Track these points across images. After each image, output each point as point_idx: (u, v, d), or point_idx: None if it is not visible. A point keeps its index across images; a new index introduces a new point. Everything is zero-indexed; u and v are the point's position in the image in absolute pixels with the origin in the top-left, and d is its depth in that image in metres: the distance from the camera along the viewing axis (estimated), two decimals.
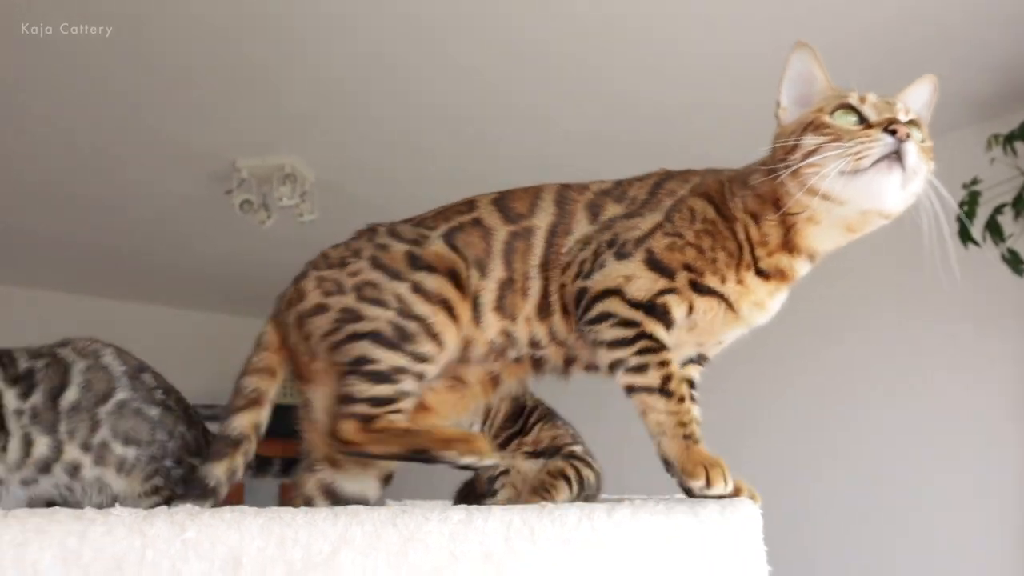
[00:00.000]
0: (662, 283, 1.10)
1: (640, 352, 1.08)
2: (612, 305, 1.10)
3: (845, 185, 1.02)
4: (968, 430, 3.00)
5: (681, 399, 1.08)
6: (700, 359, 1.25)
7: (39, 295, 5.47)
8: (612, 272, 1.11)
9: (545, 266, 1.18)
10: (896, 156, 1.00)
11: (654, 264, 1.11)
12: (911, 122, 1.06)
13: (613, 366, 1.11)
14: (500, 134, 3.33)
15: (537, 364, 1.22)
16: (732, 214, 1.13)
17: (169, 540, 0.75)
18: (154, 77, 2.87)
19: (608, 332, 1.10)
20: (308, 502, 1.20)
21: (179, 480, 1.27)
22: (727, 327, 1.16)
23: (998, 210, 2.65)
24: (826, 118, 1.07)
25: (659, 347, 1.09)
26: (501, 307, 1.17)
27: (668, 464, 1.08)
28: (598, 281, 1.11)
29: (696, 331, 1.15)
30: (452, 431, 1.12)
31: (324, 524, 0.81)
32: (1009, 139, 2.69)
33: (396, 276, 1.15)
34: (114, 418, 1.24)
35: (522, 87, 2.97)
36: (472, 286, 1.17)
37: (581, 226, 1.19)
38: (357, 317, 1.13)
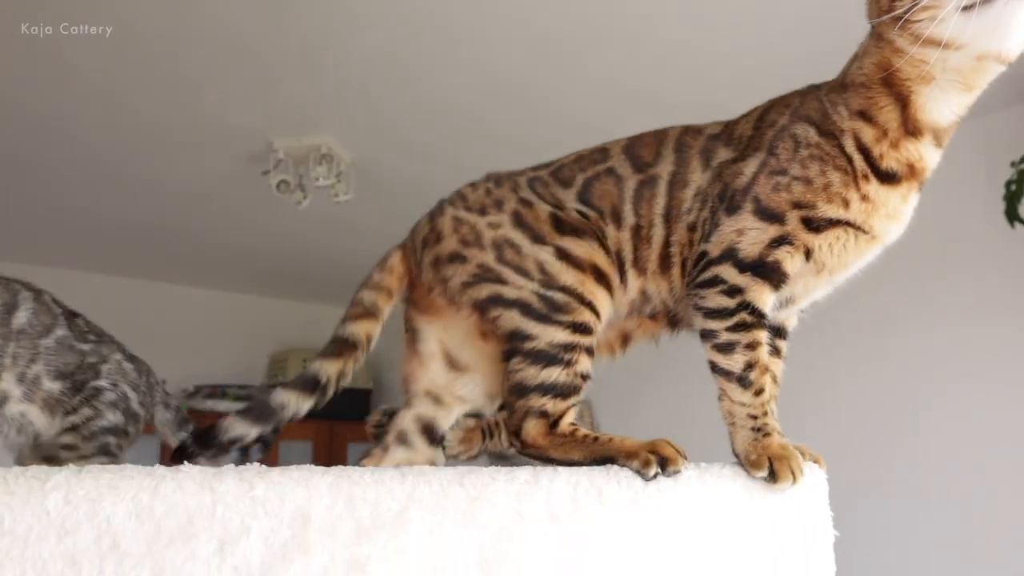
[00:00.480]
0: (773, 230, 1.04)
1: (733, 328, 1.04)
2: (724, 270, 1.05)
3: (968, 23, 0.91)
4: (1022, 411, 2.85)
5: (759, 391, 1.03)
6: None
7: (72, 275, 5.40)
8: (725, 229, 1.06)
9: (667, 216, 1.14)
10: None
11: (762, 212, 1.05)
12: None
13: (704, 336, 1.07)
14: (552, 102, 3.18)
15: (673, 320, 1.18)
16: (838, 127, 1.05)
17: (239, 496, 0.76)
18: (191, 57, 2.84)
19: (712, 299, 1.05)
20: (401, 437, 1.22)
21: (123, 431, 1.30)
22: (862, 254, 1.08)
23: None
24: None
25: (754, 324, 1.04)
26: (637, 262, 1.14)
27: (736, 456, 1.05)
28: (715, 244, 1.06)
29: (826, 271, 1.08)
30: (635, 442, 1.05)
31: (392, 483, 0.81)
32: None
33: (540, 239, 1.12)
34: (51, 353, 1.27)
35: (582, 54, 2.84)
36: (612, 241, 1.14)
37: (696, 176, 1.14)
38: (499, 279, 1.10)
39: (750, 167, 1.08)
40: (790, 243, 1.03)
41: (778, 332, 1.18)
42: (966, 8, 0.90)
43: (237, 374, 5.81)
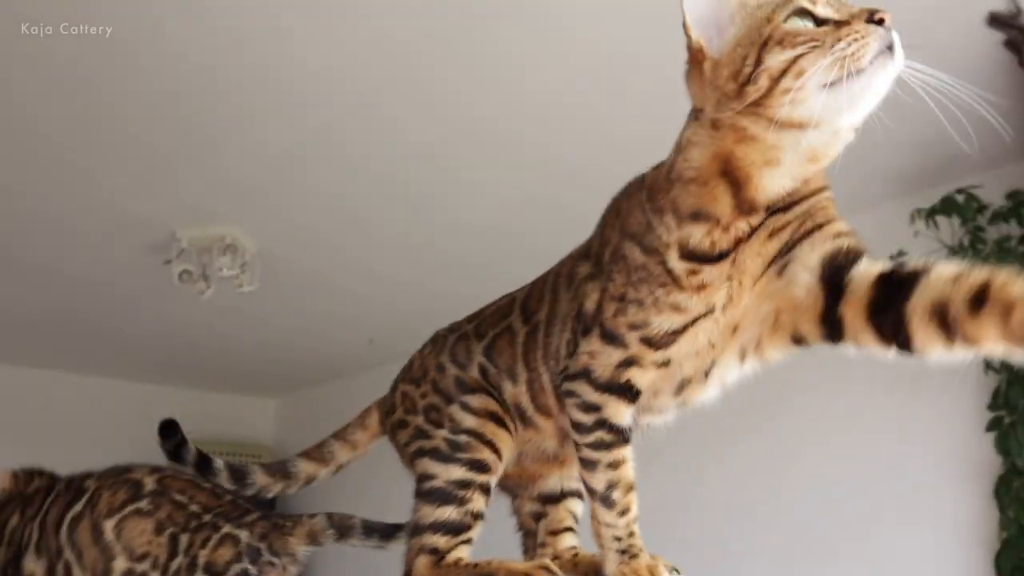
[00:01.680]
0: (618, 354, 1.03)
1: (593, 446, 1.05)
2: (580, 387, 1.06)
3: (830, 99, 0.87)
4: (901, 490, 3.14)
5: (623, 511, 1.03)
6: (851, 257, 1.03)
7: None
8: (581, 351, 1.06)
9: (546, 359, 1.17)
10: (889, 48, 0.89)
11: (607, 336, 1.04)
12: None
13: (575, 449, 1.09)
14: (446, 203, 3.48)
15: None
16: (663, 242, 1.00)
17: None
18: (94, 144, 2.91)
19: (572, 412, 1.07)
20: None
21: None
22: (735, 318, 1.03)
23: None
24: (788, 27, 0.90)
25: (614, 442, 1.04)
26: (540, 409, 1.20)
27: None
28: (573, 362, 1.07)
29: (700, 356, 1.05)
30: (522, 565, 1.12)
31: None
32: (931, 213, 2.88)
33: (449, 399, 1.23)
34: None
35: (469, 159, 3.07)
36: (509, 396, 1.22)
37: (564, 304, 1.15)
38: (425, 435, 1.23)
39: (595, 292, 1.08)
40: (638, 364, 1.03)
41: (889, 270, 1.00)
42: (824, 85, 0.87)
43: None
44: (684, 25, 0.97)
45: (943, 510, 3.01)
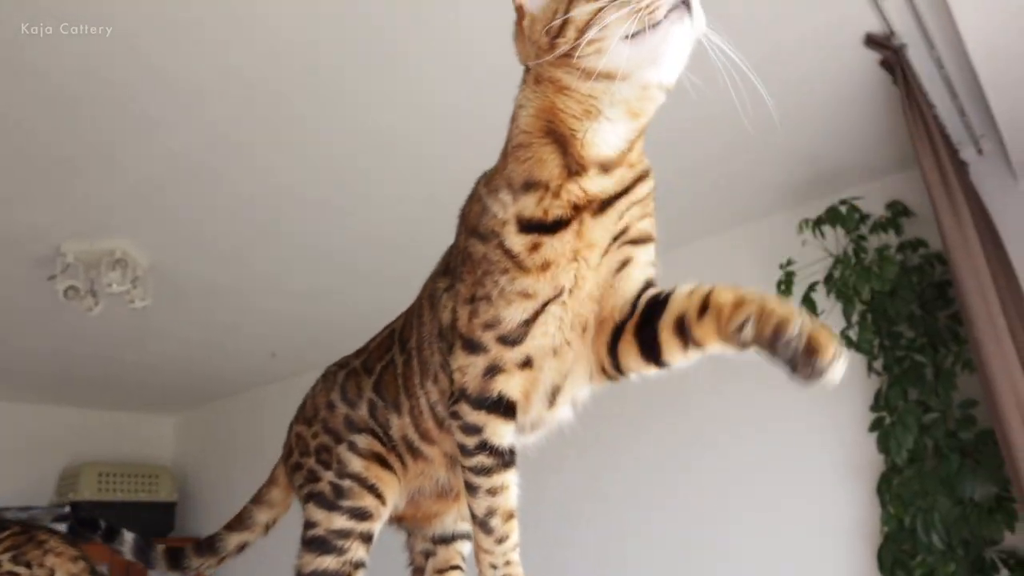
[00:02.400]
0: (481, 361, 1.00)
1: (474, 470, 1.02)
2: (461, 407, 1.03)
3: (632, 51, 0.90)
4: (794, 486, 3.28)
5: (501, 539, 1.01)
6: (647, 287, 1.04)
7: None
8: (453, 371, 1.04)
9: (423, 383, 1.15)
10: (685, 4, 0.91)
11: (468, 345, 1.01)
12: None
13: (462, 472, 1.06)
14: (350, 214, 3.42)
15: None
16: (499, 221, 0.99)
17: None
18: None
19: (456, 434, 1.04)
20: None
21: None
22: (583, 303, 1.01)
23: (811, 288, 2.96)
24: None
25: (494, 467, 1.01)
26: (424, 436, 1.18)
27: None
28: (452, 386, 1.05)
29: (561, 353, 1.03)
30: None
31: None
32: (817, 223, 3.01)
33: (338, 439, 1.22)
34: None
35: (373, 170, 3.04)
36: (396, 429, 1.20)
37: (427, 323, 1.14)
38: (315, 478, 1.21)
39: (452, 303, 1.06)
40: (501, 369, 1.00)
41: (665, 294, 1.01)
42: (627, 36, 0.89)
43: (19, 494, 5.06)
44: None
45: (830, 506, 3.16)
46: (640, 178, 1.05)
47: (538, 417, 1.11)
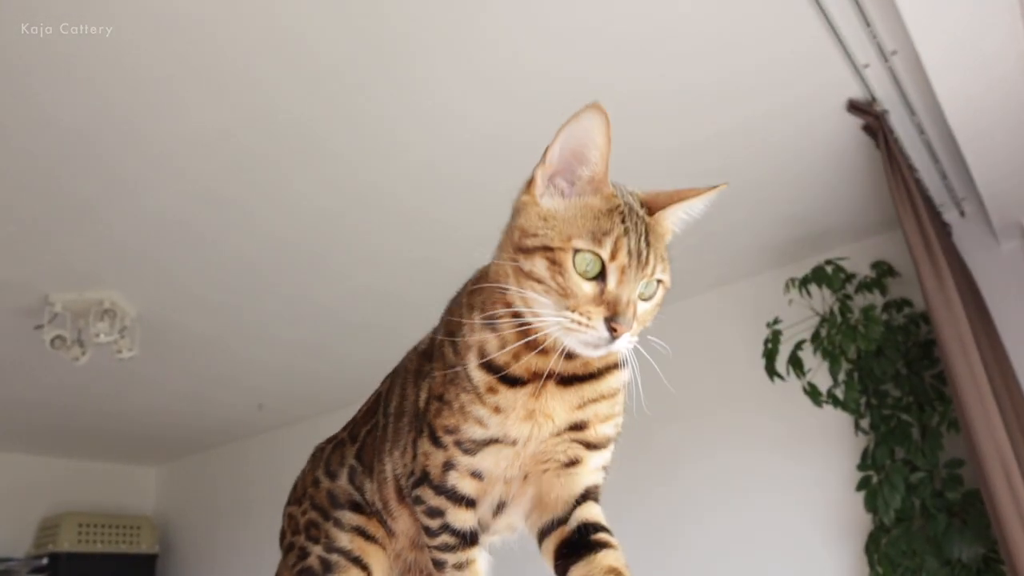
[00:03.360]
0: (440, 455, 1.03)
1: (440, 548, 1.04)
2: (423, 491, 1.05)
3: (555, 329, 0.92)
4: (783, 546, 3.28)
5: None
6: (588, 494, 1.07)
7: None
8: (418, 452, 1.06)
9: (392, 451, 1.15)
10: (609, 339, 0.91)
11: (431, 437, 1.04)
12: (658, 281, 0.98)
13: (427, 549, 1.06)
14: (338, 267, 3.45)
15: None
16: (465, 343, 1.02)
17: None
18: None
19: (421, 517, 1.06)
20: None
21: None
22: (519, 461, 1.03)
23: (798, 346, 2.98)
24: (567, 261, 0.92)
25: (459, 545, 1.03)
26: (385, 506, 1.18)
27: None
28: (416, 466, 1.07)
29: (512, 483, 1.06)
30: None
31: None
32: (804, 282, 3.04)
33: (325, 515, 1.21)
34: None
35: (360, 225, 3.08)
36: (370, 494, 1.19)
37: (410, 398, 1.14)
38: (304, 554, 1.21)
39: (424, 392, 1.08)
40: (455, 467, 1.02)
41: (590, 529, 1.04)
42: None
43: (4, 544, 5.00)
44: (551, 146, 0.97)
45: (818, 566, 3.15)
46: (612, 367, 1.04)
47: (487, 523, 1.11)
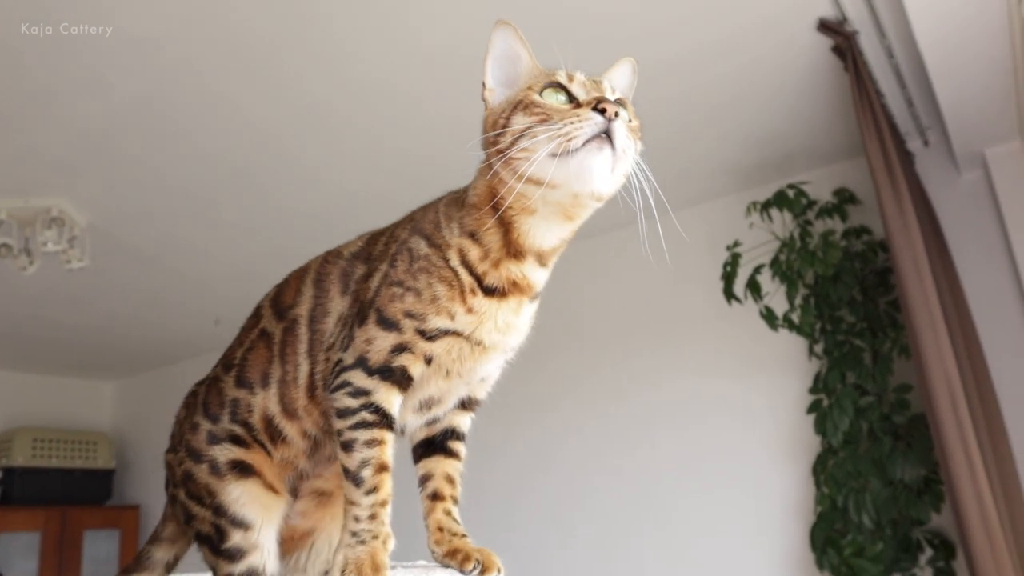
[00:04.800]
0: (392, 338, 1.05)
1: (354, 426, 1.04)
2: (354, 375, 1.05)
3: (557, 168, 0.98)
4: (732, 467, 3.33)
5: (370, 490, 1.02)
6: (470, 403, 1.20)
7: None
8: (357, 340, 1.07)
9: (310, 352, 1.15)
10: (606, 135, 0.97)
11: (383, 321, 1.06)
12: (618, 101, 1.05)
13: (335, 436, 1.06)
14: (278, 187, 3.38)
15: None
16: (446, 241, 1.08)
17: None
18: None
19: (340, 400, 1.05)
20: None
21: None
22: (479, 361, 1.10)
23: (757, 270, 2.98)
24: (535, 96, 1.03)
25: (375, 423, 1.04)
26: (287, 409, 1.15)
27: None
28: (349, 353, 1.07)
29: (454, 374, 1.10)
30: None
31: None
32: (765, 206, 3.03)
33: (200, 460, 1.15)
34: None
35: (302, 143, 3.01)
36: (259, 407, 1.16)
37: (335, 303, 1.15)
38: (191, 516, 1.15)
39: (375, 280, 1.10)
40: (410, 350, 1.06)
41: (453, 434, 1.19)
42: (553, 155, 0.97)
43: None
44: (484, 77, 1.11)
45: (766, 486, 3.23)
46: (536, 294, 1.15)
47: (406, 417, 1.15)
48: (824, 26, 2.39)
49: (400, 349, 1.06)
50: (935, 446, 2.33)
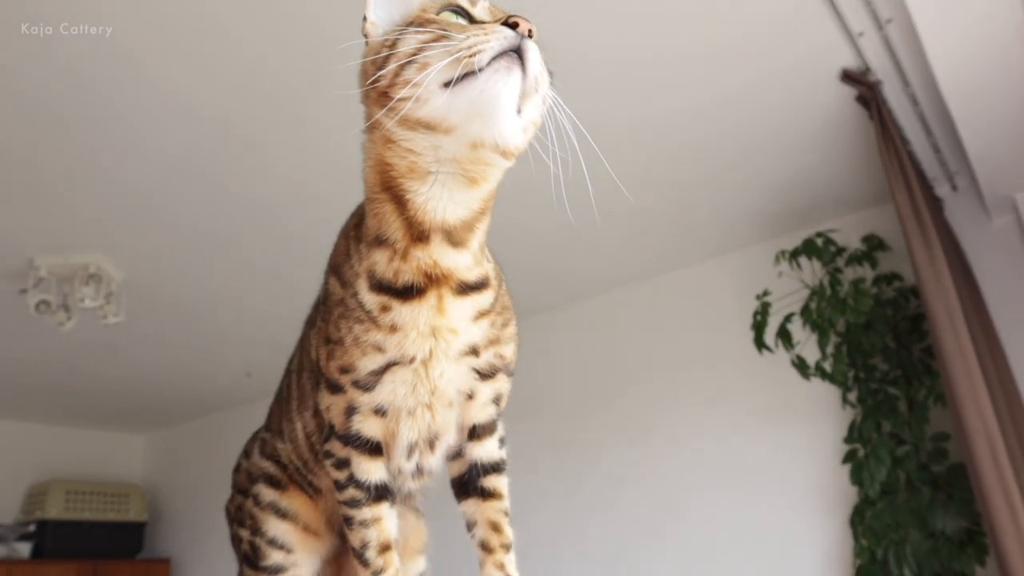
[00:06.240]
0: (341, 400, 0.97)
1: (347, 504, 1.00)
2: (332, 444, 1.01)
3: (451, 99, 0.79)
4: (768, 519, 3.27)
5: (376, 572, 0.98)
6: (481, 431, 1.05)
7: None
8: (321, 407, 1.01)
9: (300, 410, 1.12)
10: (516, 54, 0.79)
11: (328, 384, 0.98)
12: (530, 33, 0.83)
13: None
14: (315, 235, 3.41)
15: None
16: (354, 271, 0.94)
17: None
18: None
19: (331, 471, 1.02)
20: None
21: None
22: (435, 383, 0.96)
23: (787, 319, 2.97)
24: (431, 15, 0.86)
25: (363, 500, 1.00)
26: (305, 464, 1.14)
27: None
28: (325, 419, 1.02)
29: (416, 412, 0.98)
30: None
31: None
32: (794, 255, 3.03)
33: (245, 495, 1.18)
34: None
35: (337, 194, 3.04)
36: (285, 456, 1.15)
37: (310, 352, 1.08)
38: (239, 540, 1.19)
39: (314, 338, 1.03)
40: (357, 410, 0.97)
41: (482, 470, 1.05)
42: (446, 84, 0.79)
43: None
44: (365, 11, 0.92)
45: (803, 538, 3.16)
46: (485, 282, 0.96)
47: (400, 467, 1.05)
48: (847, 76, 2.41)
49: (351, 411, 0.98)
50: (976, 496, 2.27)
